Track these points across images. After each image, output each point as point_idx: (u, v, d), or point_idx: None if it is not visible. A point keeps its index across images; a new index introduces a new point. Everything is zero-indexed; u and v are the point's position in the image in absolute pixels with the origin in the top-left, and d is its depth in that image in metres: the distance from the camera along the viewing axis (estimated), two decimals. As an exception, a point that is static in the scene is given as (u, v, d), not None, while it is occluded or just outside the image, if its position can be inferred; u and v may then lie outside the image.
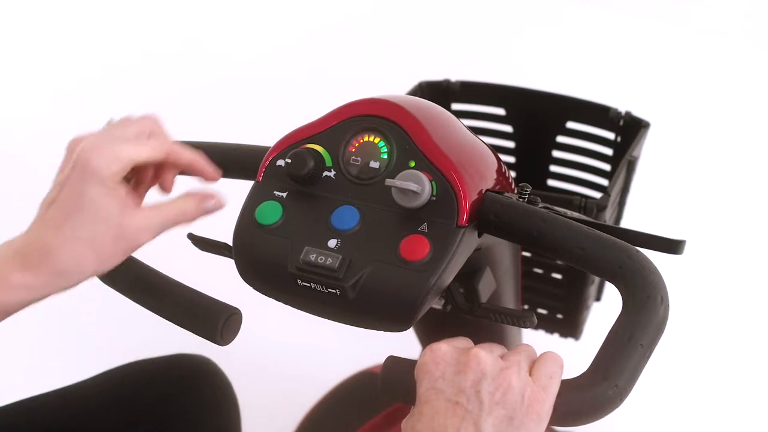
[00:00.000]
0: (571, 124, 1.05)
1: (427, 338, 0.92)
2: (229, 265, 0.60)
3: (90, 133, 0.55)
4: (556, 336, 1.15)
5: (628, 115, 0.98)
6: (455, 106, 1.09)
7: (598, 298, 1.13)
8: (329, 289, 0.54)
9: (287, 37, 2.42)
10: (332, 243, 0.55)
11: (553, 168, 1.11)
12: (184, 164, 0.58)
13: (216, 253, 0.68)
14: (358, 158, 0.57)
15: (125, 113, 0.60)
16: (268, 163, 0.59)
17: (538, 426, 0.47)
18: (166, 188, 0.60)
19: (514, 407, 0.46)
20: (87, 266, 0.53)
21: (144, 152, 0.55)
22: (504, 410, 0.46)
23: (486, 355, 0.48)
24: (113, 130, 0.55)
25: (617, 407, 0.48)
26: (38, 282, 0.52)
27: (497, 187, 0.58)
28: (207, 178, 0.60)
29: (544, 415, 0.47)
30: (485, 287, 0.66)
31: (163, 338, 0.95)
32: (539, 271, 1.01)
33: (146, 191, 0.61)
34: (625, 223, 1.02)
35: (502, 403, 0.46)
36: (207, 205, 0.58)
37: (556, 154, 1.09)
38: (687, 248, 0.56)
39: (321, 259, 0.54)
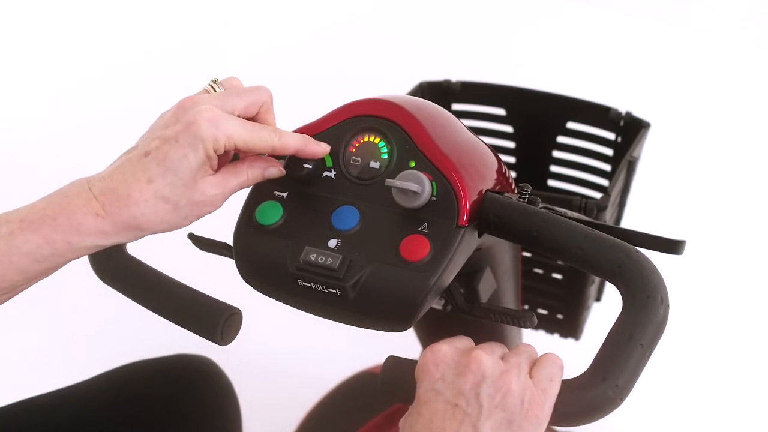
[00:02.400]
0: (571, 125, 1.05)
1: (427, 338, 0.92)
2: (229, 265, 0.60)
3: (205, 96, 0.54)
4: (556, 336, 1.15)
5: (629, 115, 0.98)
6: (456, 107, 1.09)
7: (598, 298, 1.13)
8: (329, 289, 0.54)
9: (287, 37, 2.42)
10: (332, 243, 0.55)
11: (554, 168, 1.11)
12: (290, 151, 0.57)
13: (216, 253, 0.68)
14: (359, 158, 0.57)
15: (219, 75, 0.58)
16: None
17: (537, 429, 0.47)
18: None
19: (513, 411, 0.46)
20: (160, 225, 0.53)
21: (252, 142, 0.54)
22: (503, 414, 0.46)
23: (486, 357, 0.48)
24: (228, 100, 0.54)
25: (617, 407, 0.48)
26: (112, 230, 0.52)
27: (497, 187, 0.58)
28: (316, 158, 0.58)
29: (543, 418, 0.47)
30: (485, 287, 0.66)
31: (163, 338, 0.95)
32: (539, 271, 1.01)
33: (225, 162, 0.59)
34: (626, 223, 1.02)
35: (502, 406, 0.46)
36: (270, 172, 0.57)
37: (557, 154, 1.09)
38: (687, 248, 0.56)
39: (321, 259, 0.54)
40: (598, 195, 1.07)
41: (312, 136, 0.59)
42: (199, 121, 0.51)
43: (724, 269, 1.57)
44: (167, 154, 0.51)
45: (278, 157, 0.59)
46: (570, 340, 1.13)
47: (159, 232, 0.54)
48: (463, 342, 0.51)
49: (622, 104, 1.00)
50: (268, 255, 0.56)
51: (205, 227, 0.67)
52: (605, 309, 0.95)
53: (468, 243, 0.54)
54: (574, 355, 0.67)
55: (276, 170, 0.58)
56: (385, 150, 0.56)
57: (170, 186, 0.52)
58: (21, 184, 1.85)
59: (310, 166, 0.57)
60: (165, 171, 0.51)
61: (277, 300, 0.58)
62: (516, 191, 0.61)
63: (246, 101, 0.55)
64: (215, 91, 0.56)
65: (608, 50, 2.29)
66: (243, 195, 0.59)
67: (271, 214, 0.57)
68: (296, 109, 0.89)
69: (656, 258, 0.51)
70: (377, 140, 0.57)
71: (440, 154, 0.55)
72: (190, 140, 0.51)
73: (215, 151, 0.52)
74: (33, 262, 0.51)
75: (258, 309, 0.76)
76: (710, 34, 2.35)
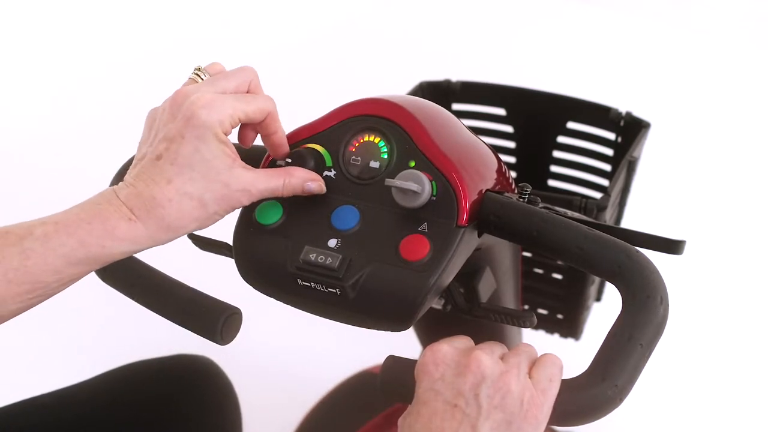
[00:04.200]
0: (571, 125, 1.05)
1: (427, 338, 0.92)
2: (229, 264, 0.60)
3: (194, 86, 0.54)
4: (556, 336, 1.15)
5: (629, 115, 0.98)
6: (456, 106, 1.09)
7: (598, 298, 1.13)
8: (329, 289, 0.54)
9: (287, 37, 2.42)
10: (332, 243, 0.55)
11: (554, 168, 1.11)
12: (272, 131, 0.57)
13: (216, 253, 0.68)
14: (359, 158, 0.57)
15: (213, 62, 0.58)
16: (268, 163, 0.59)
17: (536, 430, 0.47)
18: (245, 144, 0.59)
19: (512, 411, 0.46)
20: (191, 222, 0.53)
21: (250, 110, 0.54)
22: (502, 414, 0.46)
23: (486, 357, 0.48)
24: (217, 83, 0.54)
25: (617, 407, 0.48)
26: (143, 234, 0.52)
27: (497, 187, 0.58)
28: (276, 154, 0.59)
29: (542, 419, 0.47)
30: (485, 287, 0.66)
31: (163, 338, 0.95)
32: (539, 271, 1.01)
33: None
34: (626, 223, 1.02)
35: (501, 407, 0.46)
36: (310, 186, 0.56)
37: (557, 154, 1.09)
38: (687, 248, 0.56)
39: (321, 259, 0.54)
40: (598, 195, 1.07)
41: (312, 135, 0.59)
42: (196, 111, 0.51)
43: (724, 269, 1.57)
44: (178, 153, 0.52)
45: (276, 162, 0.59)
46: (570, 340, 1.13)
47: (191, 231, 0.54)
48: (463, 342, 0.51)
49: (622, 104, 1.00)
50: (267, 254, 0.56)
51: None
52: (605, 309, 0.95)
53: (468, 243, 0.54)
54: (574, 355, 0.67)
55: (317, 186, 0.56)
56: (385, 150, 0.56)
57: (190, 181, 0.52)
58: (21, 184, 1.86)
59: (311, 165, 0.57)
60: (181, 169, 0.52)
61: (277, 300, 0.58)
62: (516, 191, 0.61)
63: (235, 82, 0.55)
64: (201, 79, 0.56)
65: (608, 50, 2.29)
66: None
67: (271, 213, 0.57)
68: (297, 109, 0.89)
69: (656, 258, 0.51)
70: (377, 140, 0.57)
71: (440, 153, 0.55)
72: (196, 132, 0.51)
73: (225, 134, 0.53)
74: (67, 265, 0.51)
75: (258, 309, 0.76)
76: (710, 34, 2.35)
